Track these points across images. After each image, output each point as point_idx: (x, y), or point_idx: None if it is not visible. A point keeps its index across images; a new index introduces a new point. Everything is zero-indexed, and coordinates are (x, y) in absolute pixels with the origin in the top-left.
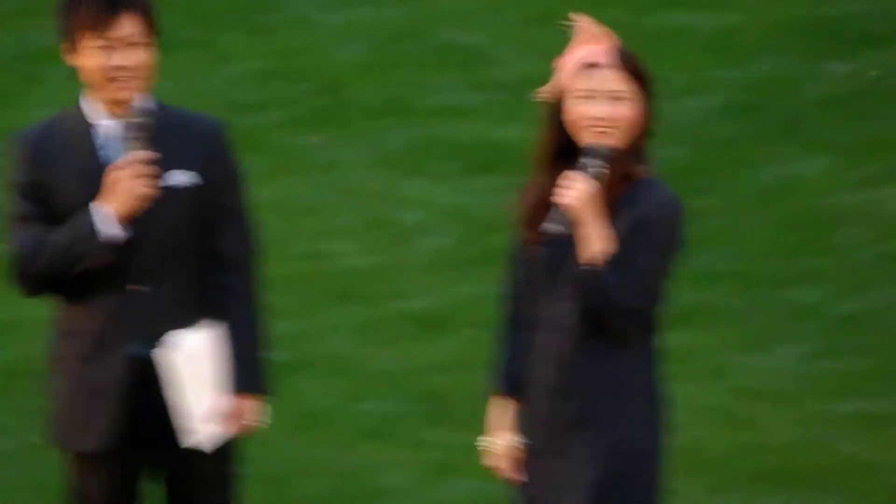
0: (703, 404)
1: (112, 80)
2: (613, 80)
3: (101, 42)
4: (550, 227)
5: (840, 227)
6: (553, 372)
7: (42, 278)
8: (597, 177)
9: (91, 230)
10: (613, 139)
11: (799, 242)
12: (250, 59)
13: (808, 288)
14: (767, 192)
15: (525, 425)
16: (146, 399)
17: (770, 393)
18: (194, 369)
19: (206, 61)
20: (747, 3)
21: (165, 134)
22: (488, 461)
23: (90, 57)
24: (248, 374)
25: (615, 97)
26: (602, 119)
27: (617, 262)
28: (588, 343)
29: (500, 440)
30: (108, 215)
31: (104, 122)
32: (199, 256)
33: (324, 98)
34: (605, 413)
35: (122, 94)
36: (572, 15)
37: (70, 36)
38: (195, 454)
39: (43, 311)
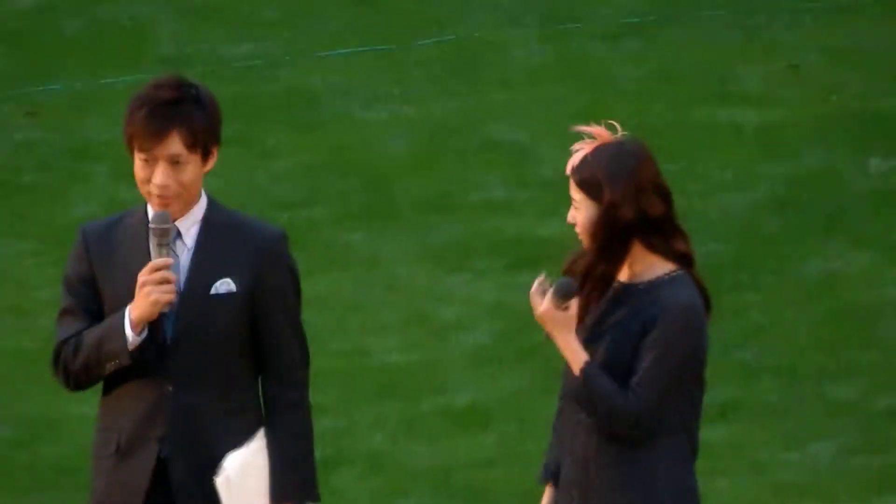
0: (745, 499)
1: (150, 194)
2: (572, 190)
3: (145, 156)
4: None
5: (882, 321)
6: (573, 468)
7: (81, 375)
8: (563, 295)
9: (116, 332)
10: (583, 240)
11: (841, 337)
12: (295, 155)
13: (848, 383)
14: (811, 286)
15: None
16: (166, 498)
17: (809, 488)
18: (243, 490)
19: (251, 157)
20: (792, 98)
21: (217, 240)
22: None
23: (137, 167)
24: (295, 483)
25: (575, 205)
26: (571, 224)
27: (624, 365)
28: (607, 442)
29: None
30: (131, 318)
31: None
32: (245, 364)
33: (368, 194)
34: None
35: (158, 209)
36: (582, 127)
37: (125, 140)
38: None
39: (83, 408)
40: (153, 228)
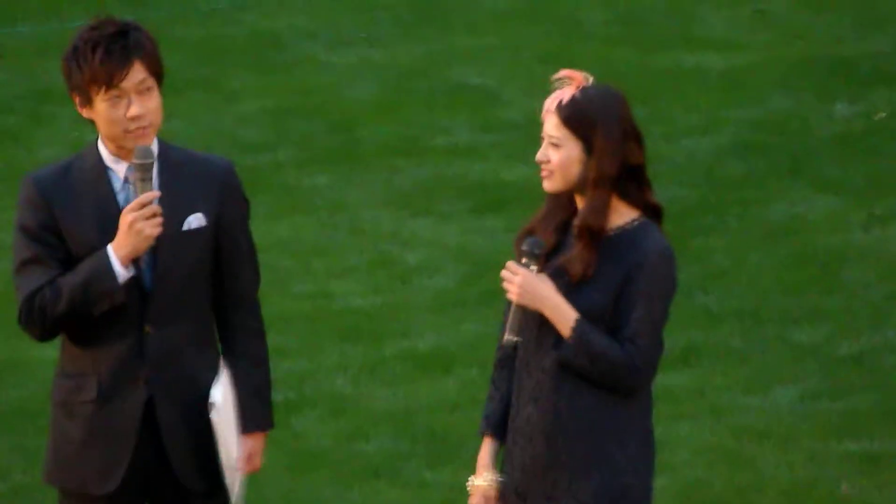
0: (704, 444)
1: (128, 131)
2: (552, 127)
3: (114, 93)
4: (508, 338)
5: (847, 266)
6: (541, 415)
7: (57, 324)
8: (532, 259)
9: (105, 271)
10: (552, 184)
11: (806, 281)
12: (259, 98)
13: (811, 327)
14: (775, 230)
15: (510, 466)
16: (153, 442)
17: (771, 433)
18: (227, 423)
19: (215, 101)
20: (758, 43)
21: (178, 177)
22: (471, 500)
23: (105, 109)
24: (260, 412)
25: (552, 143)
26: (541, 163)
27: (612, 314)
28: (578, 389)
29: (482, 480)
30: (119, 256)
31: (119, 166)
32: (211, 295)
33: (333, 137)
34: (594, 457)
35: (139, 143)
36: (562, 70)
37: (82, 89)
38: (194, 496)
39: (45, 351)
40: (137, 164)
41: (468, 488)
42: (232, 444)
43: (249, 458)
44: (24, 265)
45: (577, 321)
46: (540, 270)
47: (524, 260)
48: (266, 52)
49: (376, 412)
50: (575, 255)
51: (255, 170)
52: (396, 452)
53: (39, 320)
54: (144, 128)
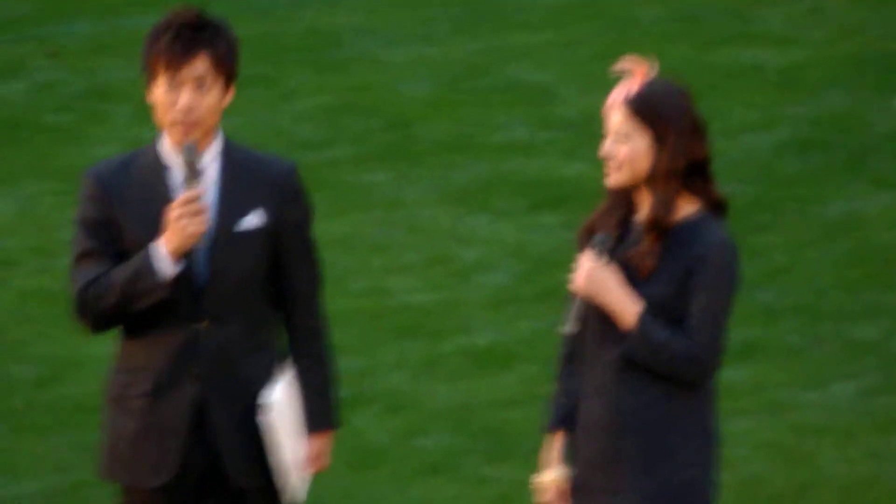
0: (763, 440)
1: (174, 122)
2: (620, 121)
3: (173, 78)
4: (566, 327)
5: None
6: (606, 411)
7: (107, 317)
8: (603, 250)
9: (149, 268)
10: (619, 177)
11: (863, 278)
12: (316, 95)
13: (869, 323)
14: (832, 227)
15: (577, 461)
16: (205, 437)
17: (829, 429)
18: (286, 423)
19: (273, 98)
20: (815, 39)
21: (239, 177)
22: (539, 497)
23: (161, 93)
24: (324, 411)
25: (619, 137)
26: (608, 157)
27: (674, 307)
28: (641, 382)
29: (550, 475)
30: (163, 253)
31: (179, 161)
32: (268, 295)
33: (390, 135)
34: (657, 452)
35: (184, 138)
36: (624, 59)
37: (149, 67)
38: (250, 491)
39: (105, 348)
40: (183, 161)
41: (534, 485)
42: (293, 444)
43: (317, 457)
44: (80, 258)
45: (641, 313)
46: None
47: (596, 249)
48: (323, 49)
49: (434, 409)
50: (643, 249)
51: (312, 167)
52: (455, 449)
53: (91, 312)
54: (191, 124)
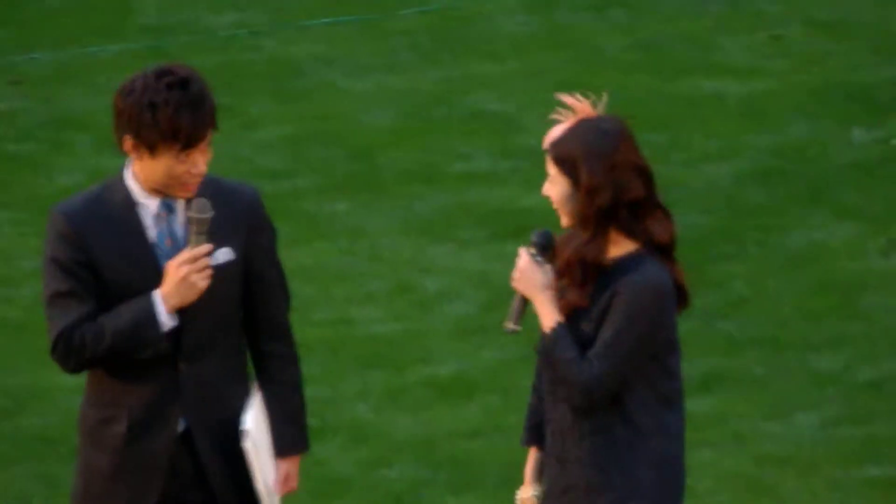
0: (726, 471)
1: (182, 183)
2: (548, 164)
3: (187, 151)
4: (508, 325)
5: (867, 292)
6: (553, 440)
7: (94, 362)
8: (539, 250)
9: (151, 320)
10: (562, 218)
11: (826, 308)
12: (279, 125)
13: (832, 354)
14: (795, 257)
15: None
16: (190, 470)
17: (793, 459)
18: (261, 447)
19: (235, 128)
20: (777, 69)
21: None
22: None
23: (169, 162)
24: (297, 434)
25: (549, 180)
26: (546, 197)
27: (590, 337)
28: (593, 416)
29: (526, 492)
30: (168, 306)
31: (149, 202)
32: (238, 326)
33: (352, 164)
34: (603, 483)
35: (187, 195)
36: (563, 97)
37: (150, 141)
38: None
39: (67, 379)
40: (196, 218)
41: (516, 502)
42: (268, 468)
43: (286, 479)
44: (57, 297)
45: (557, 325)
46: (548, 263)
47: (532, 250)
48: (285, 79)
49: (398, 439)
50: (567, 285)
51: (275, 197)
52: (419, 479)
53: (77, 356)
54: (196, 181)
